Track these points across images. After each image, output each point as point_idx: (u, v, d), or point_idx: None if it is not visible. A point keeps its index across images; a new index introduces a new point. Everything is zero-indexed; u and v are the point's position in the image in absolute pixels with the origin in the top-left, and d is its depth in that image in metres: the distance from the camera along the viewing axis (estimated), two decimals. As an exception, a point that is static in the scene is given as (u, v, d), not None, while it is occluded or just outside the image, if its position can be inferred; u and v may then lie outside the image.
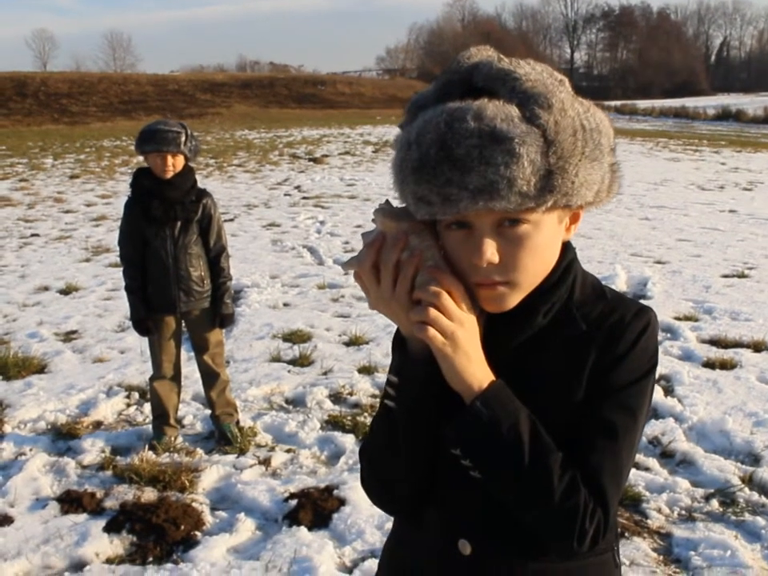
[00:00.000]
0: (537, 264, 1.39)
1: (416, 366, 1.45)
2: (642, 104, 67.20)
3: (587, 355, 1.44)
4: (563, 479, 1.38)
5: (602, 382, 1.43)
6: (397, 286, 1.37)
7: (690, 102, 67.61)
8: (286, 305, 8.73)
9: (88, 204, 16.67)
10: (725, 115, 56.54)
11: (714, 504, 4.43)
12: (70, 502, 4.52)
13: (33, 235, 13.37)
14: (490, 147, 1.26)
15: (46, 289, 9.72)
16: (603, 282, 1.58)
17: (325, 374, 6.53)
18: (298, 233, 13.21)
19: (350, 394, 6.06)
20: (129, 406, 5.97)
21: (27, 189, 19.24)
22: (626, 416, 1.44)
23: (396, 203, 1.43)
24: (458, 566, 1.54)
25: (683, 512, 4.37)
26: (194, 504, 4.47)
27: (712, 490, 4.57)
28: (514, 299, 1.41)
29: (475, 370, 1.40)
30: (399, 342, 1.50)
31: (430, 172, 1.29)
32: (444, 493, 1.55)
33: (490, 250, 1.33)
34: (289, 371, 6.59)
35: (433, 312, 1.34)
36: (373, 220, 1.42)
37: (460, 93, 1.36)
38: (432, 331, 1.35)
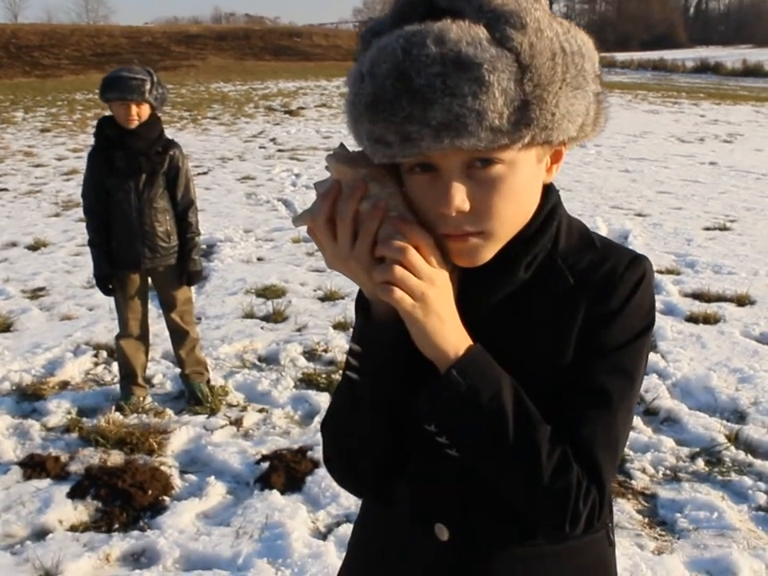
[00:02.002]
0: (514, 210, 1.20)
1: (381, 331, 1.26)
2: (621, 56, 66.51)
3: (576, 312, 1.27)
4: (552, 455, 1.21)
5: (593, 342, 1.26)
6: (357, 242, 1.18)
7: (668, 55, 67.07)
8: (260, 259, 8.54)
9: (59, 158, 16.32)
10: (703, 68, 56.27)
11: (700, 463, 4.31)
12: (33, 466, 4.34)
13: (1, 190, 13.04)
14: (455, 75, 1.06)
15: (14, 245, 9.47)
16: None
17: (299, 330, 6.37)
18: (272, 186, 12.97)
19: (325, 350, 5.90)
20: (96, 365, 5.79)
21: (-4, 142, 18.84)
22: (620, 380, 1.27)
23: (353, 148, 1.23)
24: (434, 552, 1.37)
25: (668, 472, 4.25)
26: (162, 467, 4.31)
27: (697, 449, 4.45)
28: (488, 251, 1.22)
29: (449, 334, 1.21)
30: (362, 304, 1.31)
31: (386, 107, 1.10)
32: (417, 472, 1.38)
33: (459, 196, 1.14)
34: (262, 328, 6.42)
35: (399, 270, 1.15)
36: (326, 167, 1.22)
37: (420, 15, 1.16)
38: (399, 292, 1.16)
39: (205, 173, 14.10)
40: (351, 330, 6.06)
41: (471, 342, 1.24)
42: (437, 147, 1.10)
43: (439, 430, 1.24)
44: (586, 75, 1.17)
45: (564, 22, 1.20)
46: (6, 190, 13.05)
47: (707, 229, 9.81)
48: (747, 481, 4.13)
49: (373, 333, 1.28)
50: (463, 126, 1.07)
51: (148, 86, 4.52)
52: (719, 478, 4.19)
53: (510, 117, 1.09)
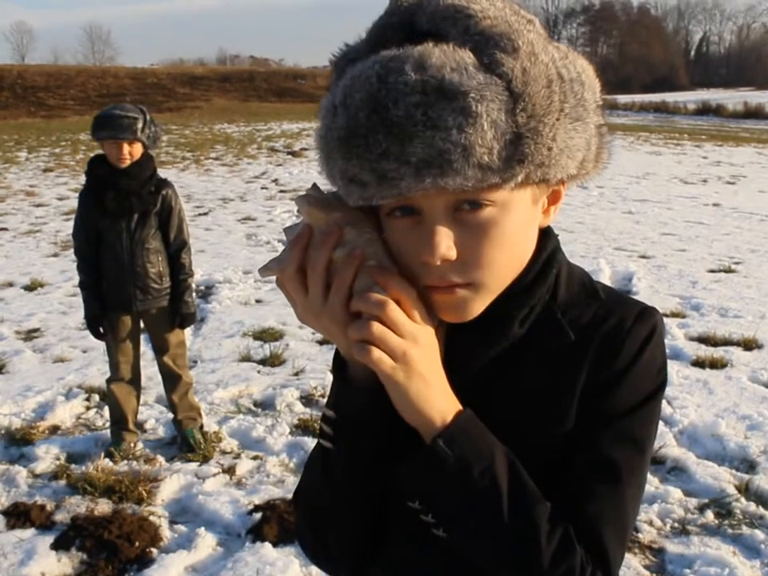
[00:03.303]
0: (507, 258, 1.07)
1: (359, 396, 1.12)
2: (622, 99, 66.70)
3: (578, 372, 1.13)
4: (553, 537, 1.06)
5: (597, 407, 1.13)
6: (330, 295, 1.05)
7: (669, 97, 67.30)
8: (258, 301, 8.41)
9: (60, 198, 16.27)
10: (705, 110, 56.46)
11: (709, 515, 4.14)
12: (18, 515, 4.20)
13: (1, 229, 13.00)
14: (438, 106, 0.93)
15: (11, 285, 9.38)
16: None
17: (296, 374, 6.22)
18: (273, 227, 12.86)
19: (323, 395, 5.74)
20: (88, 409, 5.65)
21: (-2, 182, 18.84)
22: (630, 450, 1.13)
23: (327, 188, 1.10)
24: None
25: (676, 524, 4.09)
26: (150, 517, 4.16)
27: (706, 500, 4.28)
28: (478, 305, 1.08)
29: (435, 398, 1.07)
30: (338, 364, 1.16)
31: (360, 143, 0.96)
32: (399, 554, 1.23)
33: (445, 243, 1.01)
34: (258, 372, 6.28)
35: (377, 327, 1.01)
36: (297, 211, 1.08)
37: (399, 39, 1.02)
38: (377, 353, 1.01)
39: (205, 213, 14.02)
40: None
41: (460, 407, 1.10)
42: (418, 187, 0.97)
43: (424, 507, 1.10)
44: (587, 105, 1.04)
45: (561, 46, 1.07)
46: (5, 229, 13.00)
47: (712, 271, 9.67)
48: (759, 534, 3.96)
49: (349, 397, 1.13)
50: (447, 163, 0.94)
51: (140, 125, 4.43)
52: (730, 531, 4.02)
53: (501, 152, 0.96)
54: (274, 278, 1.12)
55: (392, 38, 1.04)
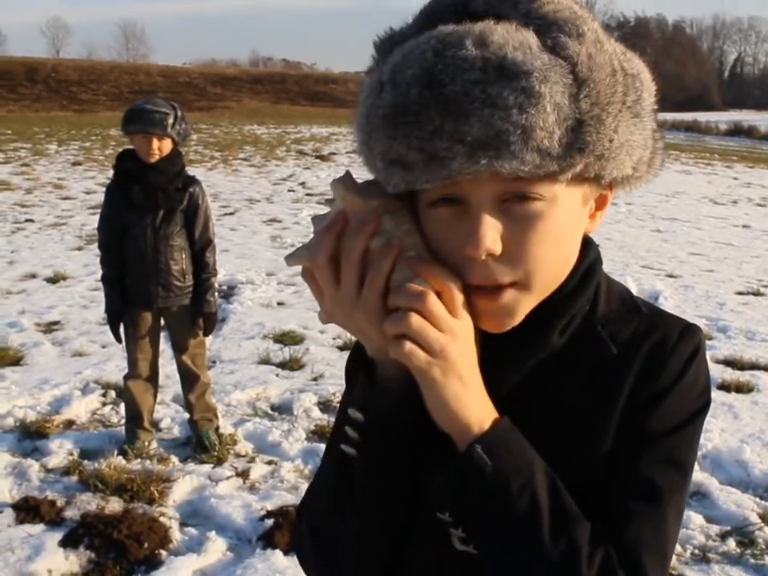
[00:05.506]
0: (553, 257, 0.99)
1: (389, 397, 1.03)
2: (654, 116, 66.53)
3: (619, 388, 1.05)
4: (594, 560, 0.97)
5: (639, 426, 1.04)
6: (365, 287, 0.96)
7: (701, 117, 66.93)
8: (280, 304, 8.34)
9: (87, 191, 16.35)
10: (737, 131, 56.10)
11: (731, 543, 4.03)
12: (27, 510, 4.14)
13: (27, 221, 13.07)
14: (498, 83, 0.86)
15: (33, 276, 9.40)
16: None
17: (315, 379, 6.15)
18: (299, 229, 12.83)
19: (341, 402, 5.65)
20: (104, 405, 5.60)
21: (28, 174, 18.98)
22: (671, 471, 1.05)
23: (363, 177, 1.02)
24: None
25: (697, 551, 3.98)
26: (161, 518, 4.09)
27: (728, 528, 4.17)
28: (523, 309, 1.01)
29: (473, 401, 0.99)
30: (364, 363, 1.07)
31: (410, 119, 0.89)
32: (422, 569, 1.13)
33: (491, 235, 0.93)
34: (277, 375, 6.21)
35: (416, 320, 0.93)
36: (327, 201, 1.00)
37: (452, 22, 0.95)
38: (414, 348, 0.93)
39: (231, 213, 14.00)
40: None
41: (497, 414, 1.02)
42: (470, 169, 0.89)
43: (455, 520, 1.01)
44: (644, 105, 0.98)
45: (619, 44, 1.00)
46: (31, 221, 13.05)
47: (740, 293, 9.51)
48: (782, 566, 3.85)
49: (380, 398, 1.04)
50: (505, 144, 0.87)
51: (171, 120, 4.39)
52: (752, 561, 3.91)
53: (562, 138, 0.89)
54: (296, 280, 1.05)
55: (444, 20, 0.97)
